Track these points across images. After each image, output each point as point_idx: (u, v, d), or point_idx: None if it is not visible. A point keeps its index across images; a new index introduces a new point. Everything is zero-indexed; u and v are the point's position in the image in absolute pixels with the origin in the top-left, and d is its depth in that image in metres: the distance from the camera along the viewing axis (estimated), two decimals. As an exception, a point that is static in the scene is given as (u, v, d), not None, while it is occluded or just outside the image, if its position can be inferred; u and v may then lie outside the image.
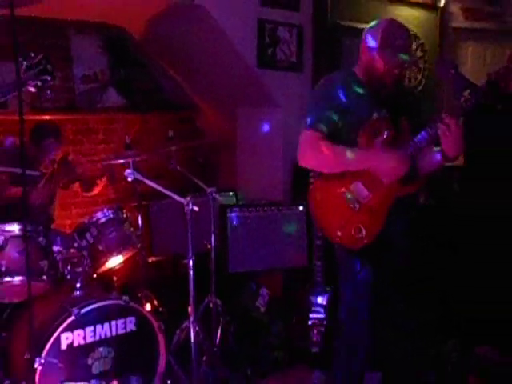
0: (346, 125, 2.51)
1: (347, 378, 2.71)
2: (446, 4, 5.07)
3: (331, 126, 2.49)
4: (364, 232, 2.49)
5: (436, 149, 2.49)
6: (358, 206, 2.50)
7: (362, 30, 4.74)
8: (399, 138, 2.54)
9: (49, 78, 2.20)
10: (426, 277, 3.18)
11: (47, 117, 4.15)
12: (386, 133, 2.51)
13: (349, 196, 2.51)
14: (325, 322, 3.48)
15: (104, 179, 3.89)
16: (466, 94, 2.27)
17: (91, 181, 3.90)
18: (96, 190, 3.96)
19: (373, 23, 2.62)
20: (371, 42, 2.52)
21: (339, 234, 2.56)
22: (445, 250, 3.64)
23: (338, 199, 2.53)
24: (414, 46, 5.13)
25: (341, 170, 2.51)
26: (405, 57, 2.50)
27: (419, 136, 2.43)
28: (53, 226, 3.64)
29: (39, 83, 2.17)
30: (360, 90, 2.56)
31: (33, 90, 2.14)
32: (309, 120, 2.53)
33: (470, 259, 3.52)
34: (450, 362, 3.28)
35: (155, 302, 3.62)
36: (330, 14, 4.38)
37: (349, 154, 2.45)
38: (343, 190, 2.52)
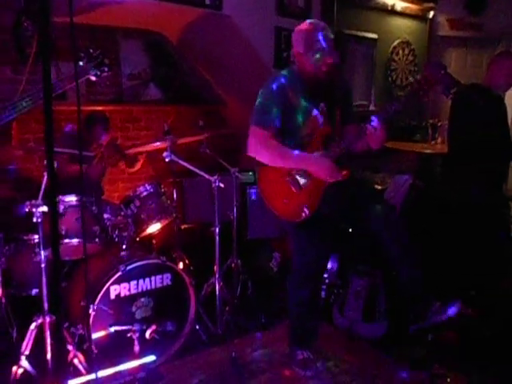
0: (291, 122, 2.45)
1: (301, 306, 2.72)
2: (434, 15, 4.93)
3: (278, 124, 2.41)
4: (306, 210, 2.47)
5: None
6: (299, 189, 2.46)
7: (363, 37, 4.70)
8: (335, 129, 2.50)
9: (106, 69, 2.21)
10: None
11: (99, 108, 4.12)
12: (321, 124, 2.46)
13: (292, 181, 2.46)
14: (326, 281, 3.45)
15: (143, 157, 3.87)
16: (453, 91, 2.19)
17: (134, 158, 3.88)
18: (137, 166, 3.92)
19: (294, 30, 2.51)
20: (297, 48, 2.44)
21: (283, 211, 2.55)
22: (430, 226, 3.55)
23: (283, 184, 2.49)
24: (406, 51, 5.03)
25: (285, 166, 2.47)
26: (325, 54, 2.38)
27: (349, 136, 2.45)
28: (103, 198, 3.63)
29: (98, 73, 2.17)
30: (302, 88, 2.47)
31: (93, 78, 2.16)
32: (258, 117, 2.45)
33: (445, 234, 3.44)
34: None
35: (186, 262, 3.60)
36: (336, 24, 4.27)
37: (290, 157, 2.41)
38: (286, 177, 2.47)
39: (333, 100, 2.54)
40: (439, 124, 4.62)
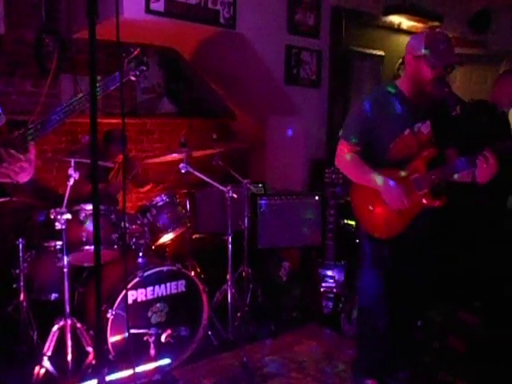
0: (376, 139, 2.41)
1: (374, 338, 2.56)
2: (446, 35, 5.05)
3: (362, 140, 2.40)
4: (395, 228, 2.40)
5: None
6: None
7: (370, 54, 4.81)
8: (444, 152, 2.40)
9: (144, 68, 2.14)
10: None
11: (115, 120, 4.23)
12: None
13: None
14: (334, 290, 3.53)
15: (152, 185, 3.98)
16: (458, 108, 2.28)
17: (144, 181, 4.00)
18: (145, 189, 4.03)
19: (413, 36, 2.44)
20: (416, 51, 2.29)
21: (372, 224, 2.49)
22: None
23: (374, 195, 2.41)
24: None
25: (361, 183, 2.47)
26: (450, 58, 2.28)
27: (458, 162, 2.30)
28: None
29: (137, 73, 2.11)
30: (396, 106, 2.38)
31: (133, 78, 2.07)
32: (344, 132, 2.48)
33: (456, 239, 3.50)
34: (435, 323, 3.32)
35: (198, 270, 3.69)
36: (344, 41, 4.38)
37: (365, 177, 2.41)
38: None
39: (442, 119, 2.42)
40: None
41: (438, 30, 2.33)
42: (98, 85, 1.77)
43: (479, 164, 2.22)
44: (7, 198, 1.78)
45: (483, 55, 5.35)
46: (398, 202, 2.32)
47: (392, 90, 2.43)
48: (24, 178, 1.70)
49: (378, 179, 2.36)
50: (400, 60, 4.81)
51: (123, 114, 1.77)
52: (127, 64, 2.07)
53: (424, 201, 2.36)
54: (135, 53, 2.12)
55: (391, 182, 2.33)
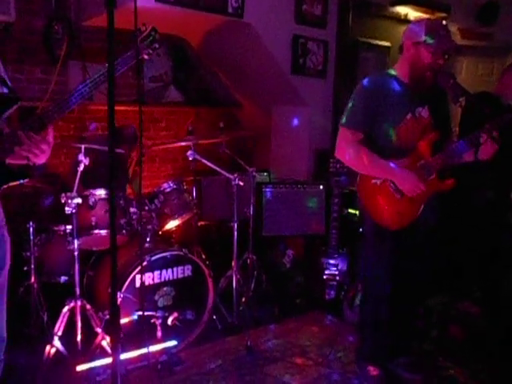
0: (379, 125, 2.40)
1: (377, 324, 2.60)
2: (448, 24, 5.05)
3: (365, 127, 2.39)
4: (405, 218, 2.42)
5: None
6: (400, 195, 2.41)
7: (376, 45, 4.83)
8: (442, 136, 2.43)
9: (157, 46, 2.08)
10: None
11: (122, 108, 4.26)
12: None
13: (394, 187, 2.41)
14: (337, 278, 3.58)
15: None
16: (461, 99, 2.32)
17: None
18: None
19: (411, 23, 2.48)
20: (416, 37, 2.34)
21: (381, 216, 2.47)
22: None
23: (384, 188, 2.43)
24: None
25: (369, 174, 2.44)
26: (449, 44, 2.33)
27: (459, 144, 2.36)
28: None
29: (151, 51, 2.05)
30: (398, 91, 2.40)
31: (146, 57, 2.02)
32: (346, 118, 2.43)
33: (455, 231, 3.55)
34: (436, 311, 3.38)
35: (203, 256, 3.76)
36: (350, 32, 4.40)
37: (377, 166, 2.39)
38: (389, 182, 2.42)
39: (439, 105, 2.48)
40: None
41: (437, 18, 2.36)
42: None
43: (483, 140, 2.27)
44: (26, 180, 1.83)
45: (490, 47, 5.35)
46: (415, 188, 2.34)
47: (388, 75, 2.46)
48: (42, 159, 1.75)
49: (392, 168, 2.37)
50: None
51: (139, 103, 1.80)
52: (140, 43, 2.03)
53: (434, 186, 2.40)
54: (148, 30, 2.08)
55: (406, 170, 2.36)
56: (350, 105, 2.46)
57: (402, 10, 4.72)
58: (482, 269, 3.53)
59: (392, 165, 2.38)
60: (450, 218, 3.41)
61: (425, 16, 4.81)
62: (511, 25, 5.29)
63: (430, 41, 2.30)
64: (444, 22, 2.43)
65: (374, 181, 2.47)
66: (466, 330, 3.24)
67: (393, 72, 2.48)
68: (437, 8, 4.75)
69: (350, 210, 3.88)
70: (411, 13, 4.78)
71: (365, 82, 2.46)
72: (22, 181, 1.82)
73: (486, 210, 3.46)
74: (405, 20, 4.78)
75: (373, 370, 2.66)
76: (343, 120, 2.46)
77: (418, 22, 2.45)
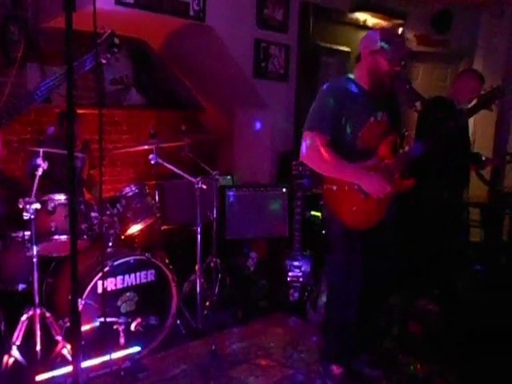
0: (345, 129, 2.43)
1: (342, 327, 2.62)
2: (402, 31, 5.18)
3: (331, 131, 2.40)
4: (373, 217, 2.47)
5: None
6: (364, 195, 2.42)
7: (337, 50, 4.92)
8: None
9: (116, 50, 2.08)
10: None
11: (82, 111, 4.18)
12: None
13: (358, 187, 2.42)
14: (300, 279, 3.61)
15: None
16: (417, 104, 2.40)
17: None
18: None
19: (367, 32, 2.54)
20: (372, 46, 2.40)
21: (351, 218, 2.49)
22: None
23: (351, 191, 2.44)
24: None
25: (335, 177, 2.45)
26: (404, 51, 2.40)
27: (416, 146, 2.50)
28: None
29: (109, 55, 2.05)
30: (359, 95, 2.44)
31: (104, 61, 2.00)
32: (312, 122, 2.43)
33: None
34: (397, 309, 3.45)
35: (167, 261, 3.72)
36: (312, 37, 4.47)
37: (343, 169, 2.41)
38: (355, 185, 2.43)
39: (394, 109, 2.56)
40: (406, 133, 4.87)
41: (391, 26, 2.45)
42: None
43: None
44: None
45: (444, 54, 5.54)
46: (381, 189, 2.38)
47: (350, 80, 2.50)
48: None
49: (359, 171, 2.41)
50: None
51: (99, 106, 1.77)
52: (98, 46, 2.04)
53: (398, 185, 2.47)
54: (106, 35, 2.08)
55: (372, 172, 2.41)
56: (315, 109, 2.47)
57: (361, 16, 4.83)
58: (438, 267, 3.64)
59: (358, 168, 2.42)
60: (407, 219, 3.51)
61: (382, 22, 4.96)
62: (465, 32, 5.51)
63: (385, 49, 2.36)
64: (399, 30, 2.52)
65: (334, 187, 2.50)
66: (425, 328, 3.33)
67: (352, 78, 2.53)
68: (394, 15, 4.89)
69: (313, 213, 3.93)
70: (370, 19, 4.90)
71: (328, 86, 2.48)
72: None
73: (442, 210, 3.58)
74: (364, 26, 4.90)
75: (336, 369, 2.68)
76: (309, 124, 2.46)
77: (374, 31, 2.52)
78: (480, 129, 5.18)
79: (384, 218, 2.51)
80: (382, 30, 2.57)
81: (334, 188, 2.50)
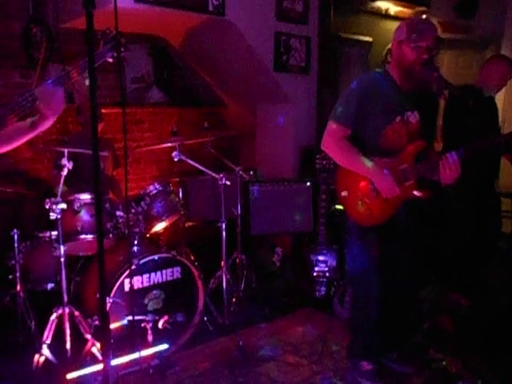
0: (368, 124, 2.41)
1: (367, 324, 2.61)
2: (427, 18, 5.08)
3: (354, 123, 2.40)
4: (377, 216, 2.45)
5: None
6: (377, 194, 2.41)
7: (358, 40, 4.85)
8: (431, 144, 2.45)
9: (122, 49, 2.06)
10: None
11: (104, 110, 4.20)
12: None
13: (372, 185, 2.42)
14: (327, 274, 3.58)
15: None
16: (445, 92, 2.33)
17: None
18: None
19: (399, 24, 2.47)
20: (399, 36, 2.36)
21: (356, 212, 2.50)
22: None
23: (365, 185, 2.44)
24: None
25: (350, 169, 2.45)
26: (429, 37, 2.29)
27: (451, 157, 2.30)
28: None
29: (115, 54, 2.02)
30: (389, 93, 2.40)
31: (110, 60, 1.99)
32: (337, 113, 2.43)
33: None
34: (427, 303, 3.40)
35: (192, 258, 3.73)
36: (332, 28, 4.40)
37: (356, 164, 2.40)
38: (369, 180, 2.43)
39: (429, 111, 2.48)
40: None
41: (417, 15, 2.36)
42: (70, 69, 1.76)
43: (441, 167, 2.30)
44: None
45: (469, 40, 5.40)
46: (390, 189, 2.36)
47: (383, 75, 2.46)
48: (56, 113, 1.71)
49: (371, 166, 2.38)
50: (387, 47, 4.85)
51: (122, 105, 1.76)
52: (103, 46, 2.00)
53: (410, 191, 2.42)
54: (111, 34, 2.09)
55: (385, 170, 2.37)
56: (342, 101, 2.46)
57: (382, 4, 4.74)
58: (469, 259, 3.56)
59: (371, 164, 2.39)
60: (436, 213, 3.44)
61: (405, 10, 4.85)
62: (490, 18, 5.36)
63: (410, 37, 2.31)
64: (424, 17, 2.43)
65: (350, 179, 2.49)
66: (456, 322, 3.26)
67: (386, 72, 2.47)
68: (417, 2, 4.79)
69: (338, 206, 3.88)
70: (392, 7, 4.80)
71: (359, 81, 2.46)
72: None
73: (474, 204, 3.50)
74: (386, 15, 4.81)
75: (366, 365, 2.65)
76: (334, 114, 2.46)
77: (402, 23, 2.46)
78: (509, 111, 5.04)
79: (390, 221, 2.46)
80: (408, 19, 2.49)
81: (347, 180, 2.51)
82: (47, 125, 1.76)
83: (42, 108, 1.69)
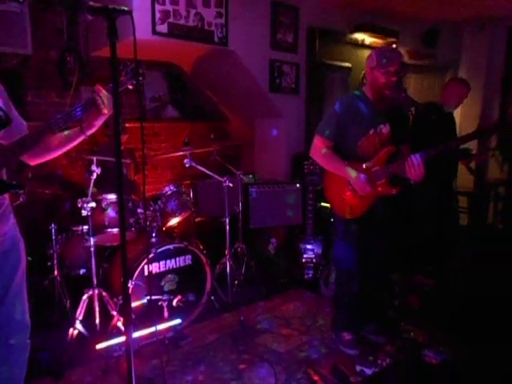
0: (347, 137, 2.45)
1: (349, 297, 2.64)
2: (396, 47, 5.08)
3: (334, 137, 2.45)
4: (353, 211, 2.50)
5: None
6: (354, 192, 2.46)
7: (340, 66, 4.84)
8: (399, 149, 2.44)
9: (141, 78, 2.06)
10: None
11: (127, 124, 4.18)
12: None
13: (351, 185, 2.46)
14: (313, 260, 3.59)
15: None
16: (412, 109, 2.33)
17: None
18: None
19: (370, 53, 2.49)
20: (371, 63, 2.39)
21: (337, 206, 2.56)
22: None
23: (345, 183, 2.49)
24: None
25: (333, 172, 2.50)
26: (396, 63, 2.31)
27: (414, 158, 2.30)
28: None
29: (134, 82, 2.04)
30: (364, 110, 2.42)
31: (130, 87, 1.97)
32: (322, 128, 2.48)
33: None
34: (397, 285, 3.40)
35: (201, 247, 3.72)
36: (317, 56, 4.40)
37: (337, 167, 2.46)
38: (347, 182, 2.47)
39: (399, 122, 2.50)
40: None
41: (387, 44, 2.35)
42: (99, 94, 1.73)
43: (407, 167, 2.31)
44: (22, 190, 1.76)
45: (432, 66, 5.41)
46: (363, 188, 2.41)
47: (359, 95, 2.49)
48: (102, 119, 1.71)
49: (351, 171, 2.43)
50: (363, 72, 4.84)
51: (141, 120, 1.75)
52: (125, 75, 2.07)
53: (380, 189, 2.45)
54: (131, 65, 2.14)
55: (361, 175, 2.41)
56: (326, 118, 2.53)
57: (359, 36, 4.73)
58: (433, 248, 3.57)
59: (352, 169, 2.43)
60: (403, 208, 3.43)
61: (378, 41, 4.85)
62: (450, 46, 5.37)
63: (380, 63, 2.34)
64: (392, 46, 2.45)
65: (335, 180, 2.52)
66: (422, 300, 3.26)
67: (360, 93, 2.49)
68: (388, 34, 4.78)
69: (323, 204, 3.88)
70: (367, 38, 4.80)
71: (340, 101, 2.48)
72: (17, 191, 1.75)
73: (434, 201, 3.50)
74: (362, 45, 4.80)
75: (347, 336, 2.67)
76: (320, 129, 2.51)
77: (373, 50, 2.48)
78: (465, 124, 5.04)
79: (368, 212, 2.49)
80: (378, 48, 2.49)
81: (331, 182, 2.57)
82: (97, 125, 1.74)
83: (102, 108, 1.67)
